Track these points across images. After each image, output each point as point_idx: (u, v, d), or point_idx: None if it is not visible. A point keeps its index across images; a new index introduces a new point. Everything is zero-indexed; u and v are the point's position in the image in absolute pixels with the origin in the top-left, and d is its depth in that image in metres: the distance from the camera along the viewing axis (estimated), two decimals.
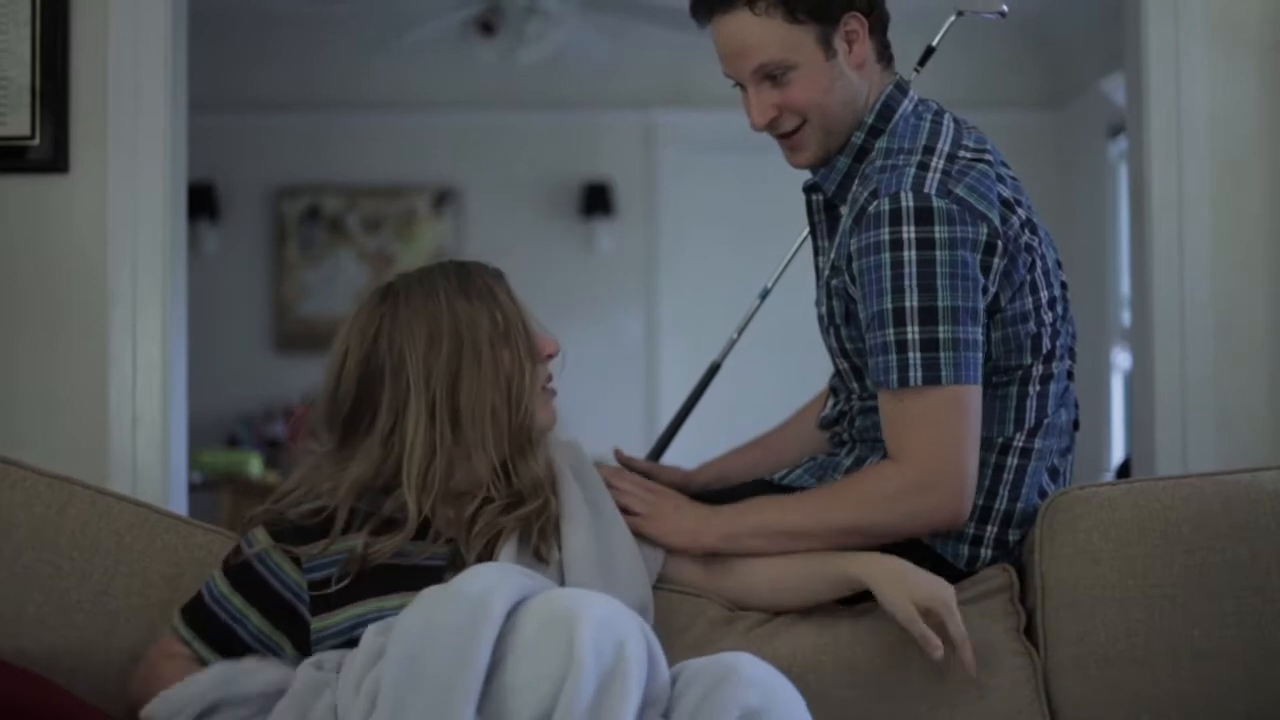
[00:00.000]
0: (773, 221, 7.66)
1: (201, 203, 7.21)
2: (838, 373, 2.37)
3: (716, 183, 7.60)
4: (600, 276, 7.71)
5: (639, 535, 2.21)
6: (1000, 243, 2.16)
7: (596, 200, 7.69)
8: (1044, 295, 2.26)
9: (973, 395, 2.15)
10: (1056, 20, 6.94)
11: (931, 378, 2.11)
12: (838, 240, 2.28)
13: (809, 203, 2.40)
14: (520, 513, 2.09)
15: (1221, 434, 3.00)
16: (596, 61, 7.06)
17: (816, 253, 2.42)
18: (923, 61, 2.69)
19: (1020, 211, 2.23)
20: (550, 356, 2.16)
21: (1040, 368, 2.27)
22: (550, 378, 2.17)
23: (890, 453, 2.18)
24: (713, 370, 2.69)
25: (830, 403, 2.43)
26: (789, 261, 2.80)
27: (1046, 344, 2.27)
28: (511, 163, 7.71)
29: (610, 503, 2.20)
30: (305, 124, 7.63)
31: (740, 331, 2.72)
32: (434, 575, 2.01)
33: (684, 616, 2.23)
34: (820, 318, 2.36)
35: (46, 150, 2.93)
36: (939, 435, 2.14)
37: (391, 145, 7.69)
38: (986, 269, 2.16)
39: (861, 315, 2.18)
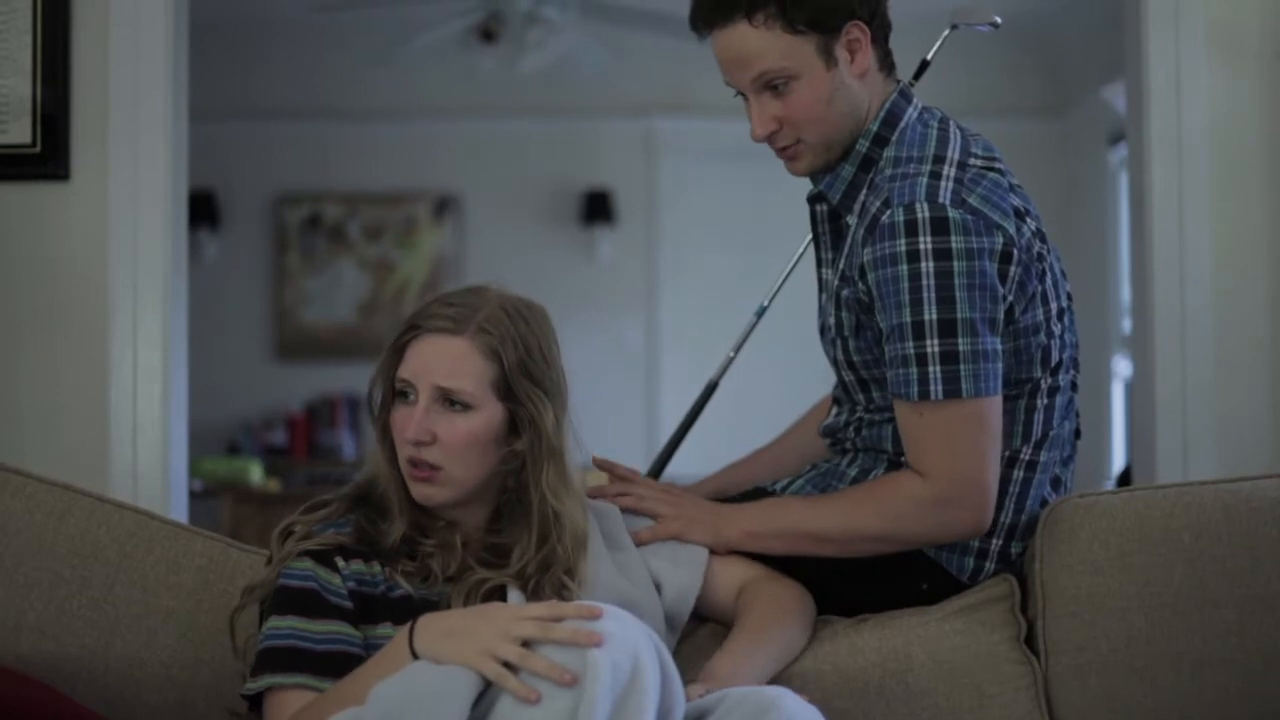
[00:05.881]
0: (774, 229, 7.67)
1: (202, 211, 7.21)
2: (842, 384, 2.36)
3: (717, 190, 7.61)
4: (601, 284, 7.71)
5: (676, 539, 2.21)
6: (1016, 252, 2.16)
7: (597, 208, 7.69)
8: (1053, 306, 2.25)
9: (993, 406, 2.15)
10: (1057, 28, 6.95)
11: (952, 391, 2.11)
12: (846, 251, 2.27)
13: (813, 213, 2.39)
14: (507, 571, 2.05)
15: (1222, 442, 2.99)
16: (597, 69, 7.06)
17: (820, 264, 2.41)
18: (917, 75, 2.69)
19: (1030, 221, 2.22)
20: (411, 441, 2.02)
21: (1048, 380, 2.26)
22: (414, 463, 2.03)
23: (911, 464, 2.18)
24: (710, 389, 2.68)
25: (834, 411, 2.42)
26: (785, 279, 2.79)
27: (1055, 355, 2.26)
28: (512, 170, 7.72)
29: (627, 538, 2.19)
30: (306, 132, 7.64)
31: (737, 350, 2.71)
32: (431, 609, 1.99)
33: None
34: (825, 329, 2.35)
35: (47, 158, 2.93)
36: (960, 448, 2.14)
37: (392, 153, 7.70)
38: (1003, 278, 2.15)
39: (882, 325, 2.18)
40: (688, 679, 1.89)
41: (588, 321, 7.46)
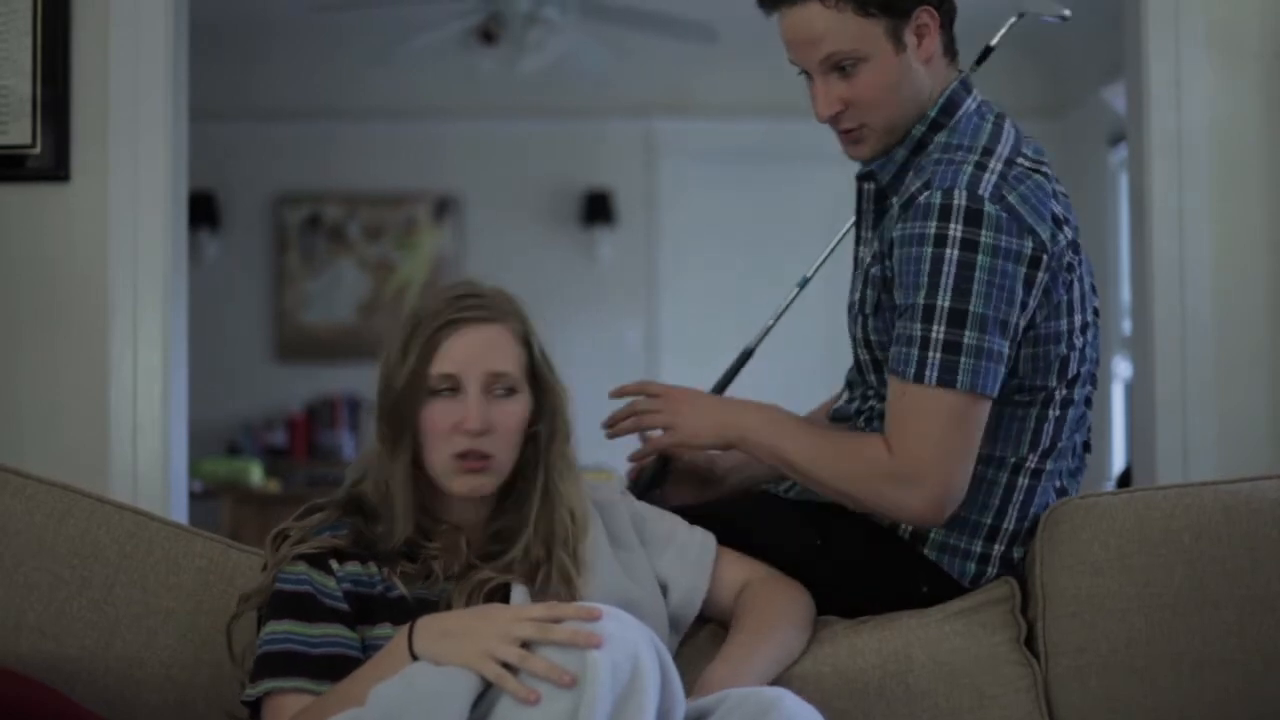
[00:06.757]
0: (774, 230, 7.70)
1: (202, 211, 7.21)
2: (857, 364, 2.36)
3: (717, 192, 7.61)
4: (601, 285, 7.71)
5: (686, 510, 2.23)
6: (1045, 258, 2.14)
7: (597, 209, 7.69)
8: (1078, 319, 2.24)
9: (981, 406, 2.14)
10: (1057, 28, 6.93)
11: (946, 380, 2.11)
12: (883, 228, 2.27)
13: (859, 191, 2.37)
14: (501, 563, 2.05)
15: (1222, 443, 2.99)
16: (597, 70, 7.06)
17: (858, 242, 2.40)
18: (980, 61, 2.66)
19: (1068, 230, 2.21)
20: (466, 432, 2.02)
21: (1063, 391, 2.25)
22: (465, 453, 2.02)
23: (886, 437, 2.17)
24: (745, 356, 2.62)
25: (845, 396, 2.41)
26: (833, 249, 2.74)
27: (1073, 368, 2.25)
28: (512, 171, 7.72)
29: (633, 537, 2.19)
30: (306, 132, 7.64)
31: (777, 318, 2.66)
32: (430, 608, 1.99)
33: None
34: (850, 305, 2.35)
35: (47, 159, 2.93)
36: (935, 436, 2.13)
37: (392, 153, 7.70)
38: (1030, 284, 2.13)
39: (897, 300, 2.17)
40: (687, 681, 1.89)
41: (588, 322, 7.45)
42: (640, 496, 2.44)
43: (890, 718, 2.17)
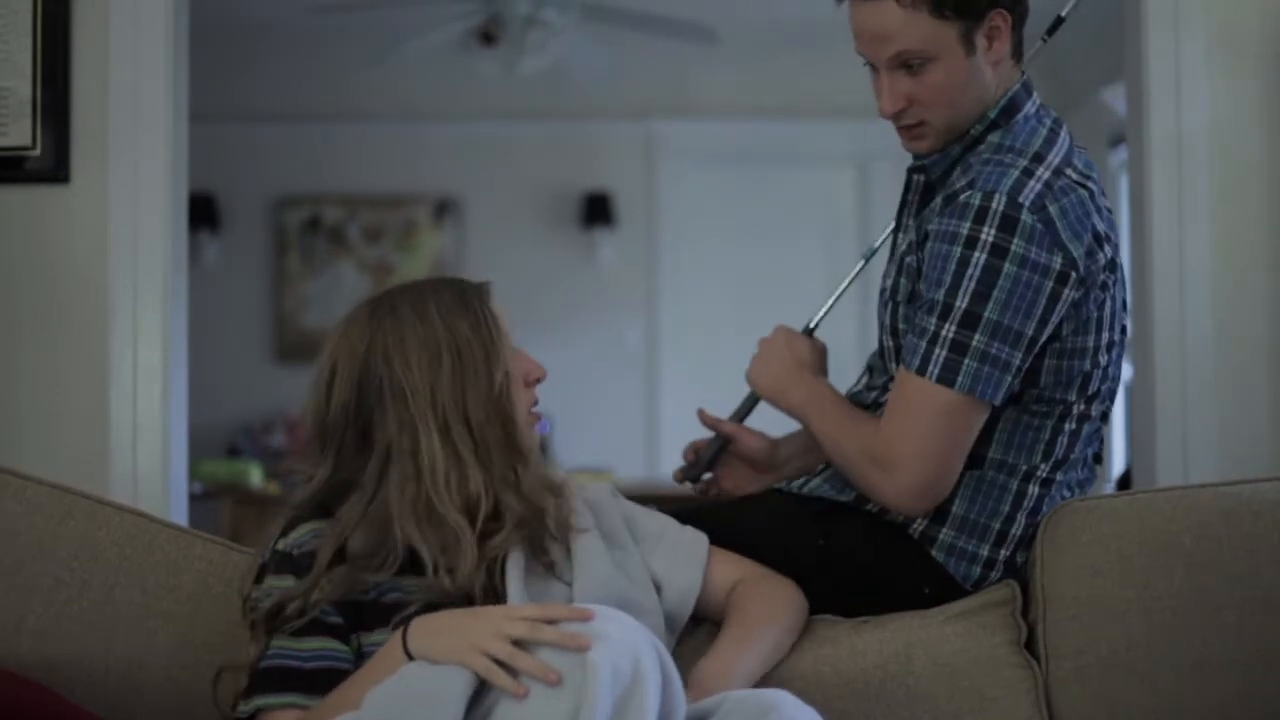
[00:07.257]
0: (773, 231, 7.70)
1: (202, 213, 7.21)
2: (880, 350, 2.37)
3: (717, 193, 7.61)
4: (601, 287, 7.72)
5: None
6: (1075, 274, 2.14)
7: (597, 211, 7.70)
8: (1105, 337, 2.24)
9: (976, 410, 2.15)
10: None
11: (946, 379, 2.12)
12: (923, 219, 2.27)
13: (908, 181, 2.37)
14: (515, 527, 2.05)
15: (1222, 444, 2.99)
16: (597, 72, 7.07)
17: (898, 228, 2.40)
18: (1051, 31, 2.65)
19: (1108, 249, 2.21)
20: (538, 380, 2.15)
21: (1081, 406, 2.26)
22: (535, 402, 2.15)
23: (881, 420, 2.20)
24: (808, 331, 2.60)
25: (864, 380, 2.42)
26: (895, 228, 2.71)
27: (1095, 385, 2.25)
28: (512, 173, 7.72)
29: (626, 536, 2.18)
30: (306, 134, 7.64)
31: (839, 294, 2.63)
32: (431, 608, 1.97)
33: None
34: (882, 291, 2.36)
35: (47, 161, 2.93)
36: (919, 430, 2.15)
37: (392, 156, 7.70)
38: (1056, 299, 2.14)
39: (921, 291, 2.18)
40: (684, 681, 1.89)
41: (588, 323, 7.46)
42: (696, 480, 2.52)
43: (891, 719, 2.17)
